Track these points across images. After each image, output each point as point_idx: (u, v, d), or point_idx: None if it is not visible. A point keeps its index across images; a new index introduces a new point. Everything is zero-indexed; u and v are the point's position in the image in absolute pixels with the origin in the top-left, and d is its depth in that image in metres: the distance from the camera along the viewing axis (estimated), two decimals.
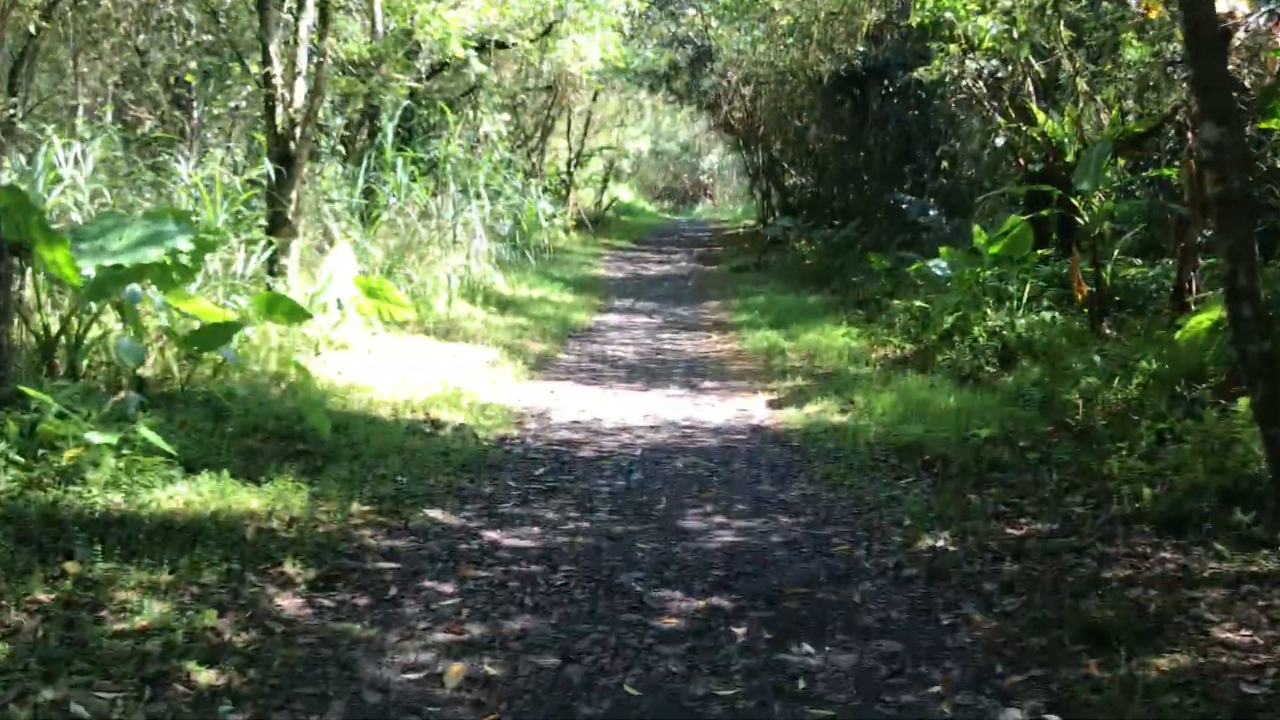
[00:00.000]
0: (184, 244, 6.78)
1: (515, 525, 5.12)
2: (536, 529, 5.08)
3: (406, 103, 12.06)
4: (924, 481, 5.95)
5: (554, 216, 21.85)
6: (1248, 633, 3.70)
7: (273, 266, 9.39)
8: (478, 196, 13.73)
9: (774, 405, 8.27)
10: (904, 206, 15.43)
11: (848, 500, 5.72)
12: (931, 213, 14.92)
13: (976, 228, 10.09)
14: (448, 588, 4.27)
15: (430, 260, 11.82)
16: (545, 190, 22.65)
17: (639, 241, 24.06)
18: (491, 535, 4.95)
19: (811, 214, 20.41)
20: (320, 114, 10.52)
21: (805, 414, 7.81)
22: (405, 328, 10.17)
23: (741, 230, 26.48)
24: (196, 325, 6.64)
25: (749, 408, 8.19)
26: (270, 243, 9.22)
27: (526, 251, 14.36)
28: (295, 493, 5.13)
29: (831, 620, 4.07)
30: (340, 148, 11.58)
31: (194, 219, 7.45)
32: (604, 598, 4.23)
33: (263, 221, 9.21)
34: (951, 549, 4.88)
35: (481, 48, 13.15)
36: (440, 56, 12.55)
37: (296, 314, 7.17)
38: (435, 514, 5.16)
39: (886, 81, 15.60)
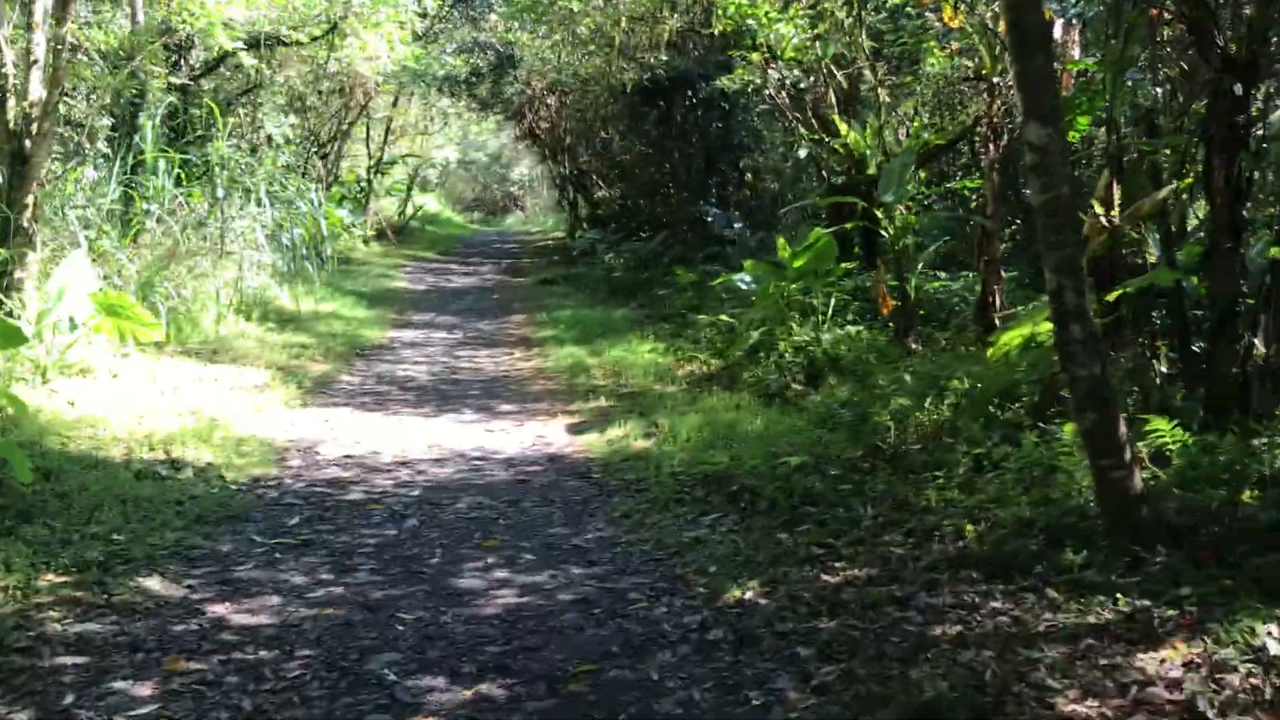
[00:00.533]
0: None
1: (250, 595, 4.20)
2: (276, 599, 4.17)
3: (171, 100, 10.77)
4: (731, 518, 5.33)
5: (352, 226, 20.62)
6: (1094, 702, 3.19)
7: (3, 282, 8.07)
8: (258, 203, 12.53)
9: (574, 430, 7.55)
10: (709, 219, 15.06)
11: (648, 543, 5.04)
12: (736, 225, 14.59)
13: (781, 240, 9.67)
14: (144, 689, 3.34)
15: (199, 273, 10.58)
16: (343, 199, 21.38)
17: (445, 253, 23.00)
18: (218, 610, 4.02)
19: (620, 227, 19.90)
20: (71, 110, 9.19)
21: (607, 440, 7.12)
22: (164, 349, 8.96)
23: (551, 242, 25.75)
24: None
25: (547, 434, 7.44)
26: None
27: (315, 263, 13.18)
28: None
29: (624, 707, 3.35)
30: (99, 147, 10.21)
31: None
32: (346, 693, 3.39)
33: None
34: (762, 602, 4.25)
35: (255, 44, 11.96)
36: (210, 52, 11.32)
37: (8, 336, 6.00)
38: (150, 583, 4.19)
39: (690, 92, 15.19)
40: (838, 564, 4.62)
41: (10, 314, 7.72)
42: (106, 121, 11.06)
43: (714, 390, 8.55)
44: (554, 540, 5.09)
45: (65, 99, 8.50)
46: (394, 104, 21.09)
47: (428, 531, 5.15)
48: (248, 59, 10.82)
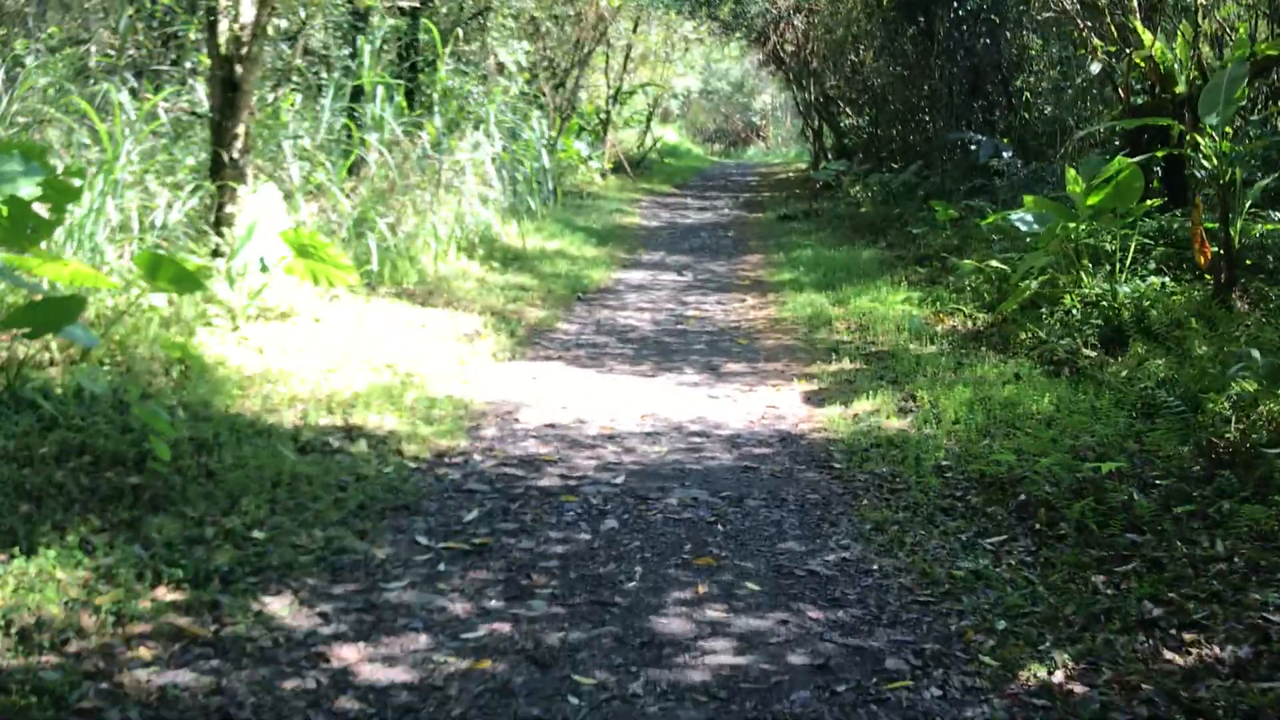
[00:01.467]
0: (27, 189, 5.01)
1: (394, 630, 3.25)
2: (424, 638, 3.21)
3: (391, 23, 10.06)
4: (1021, 543, 3.99)
5: (589, 158, 19.86)
6: None
7: (218, 218, 7.59)
8: (487, 135, 11.79)
9: (813, 400, 6.30)
10: (973, 148, 13.20)
11: (910, 574, 3.78)
12: (1005, 155, 12.68)
13: (1071, 172, 7.94)
14: None
15: (420, 208, 9.92)
16: (581, 130, 20.63)
17: (681, 186, 21.93)
18: (347, 655, 3.09)
19: (867, 157, 18.19)
20: (281, 34, 8.60)
21: (852, 415, 5.84)
22: (376, 290, 8.32)
23: (792, 174, 24.22)
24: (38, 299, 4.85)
25: (781, 404, 6.23)
26: (200, 187, 7.40)
27: (537, 198, 12.34)
28: (69, 567, 3.32)
29: None
30: (314, 74, 9.65)
31: (51, 157, 5.62)
32: None
33: (191, 161, 7.35)
34: (1077, 690, 2.94)
35: None
36: None
37: (185, 280, 5.34)
38: (276, 606, 3.31)
39: (955, 3, 13.28)
40: (1187, 634, 3.22)
41: (218, 252, 7.20)
42: (318, 44, 10.51)
43: (983, 353, 7.08)
44: (785, 561, 3.91)
45: (274, 19, 7.84)
46: (633, 29, 20.02)
47: (628, 538, 4.08)
48: None
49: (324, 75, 9.64)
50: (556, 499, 4.49)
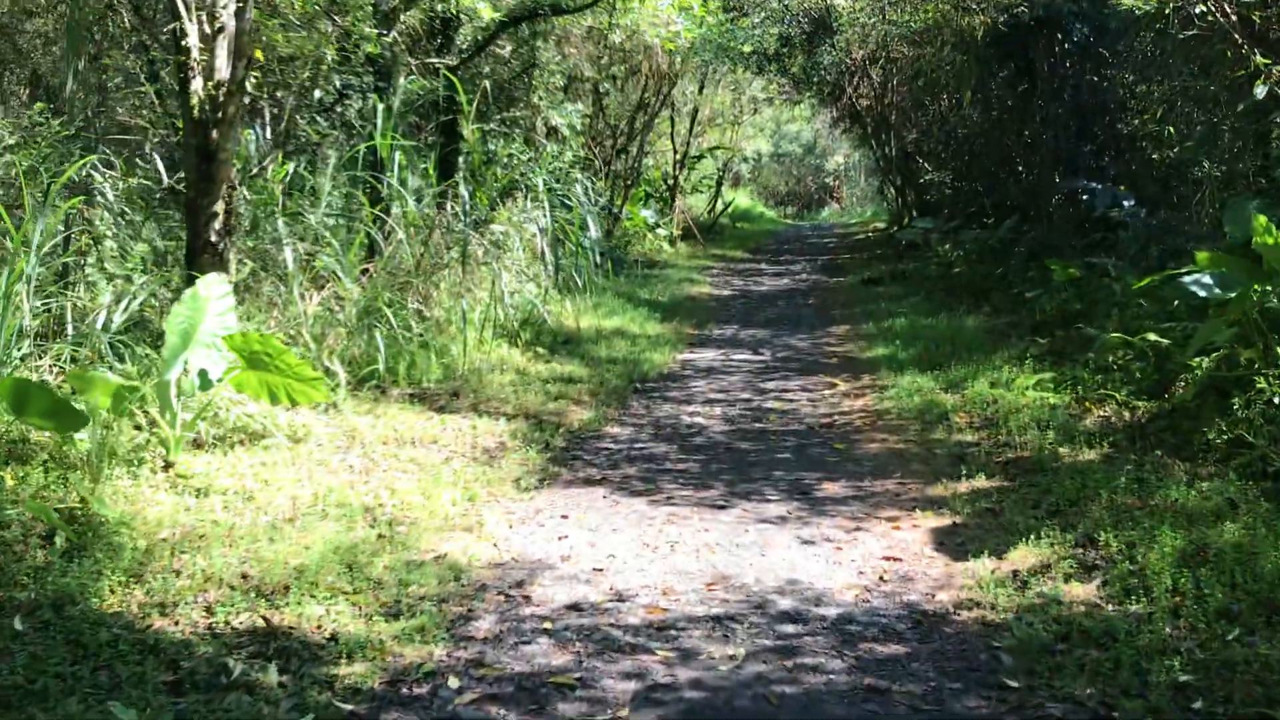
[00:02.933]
0: None
1: None
2: None
3: (421, 82, 8.50)
4: None
5: (656, 226, 18.22)
6: None
7: None
8: (534, 203, 10.19)
9: (948, 546, 4.38)
10: (1084, 197, 11.19)
11: None
12: (1127, 204, 10.64)
13: (1261, 220, 5.96)
14: None
15: (454, 289, 8.28)
16: (648, 197, 19.04)
17: (755, 251, 20.13)
18: None
19: (954, 213, 16.22)
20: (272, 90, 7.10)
21: (1011, 575, 3.91)
22: (388, 393, 6.65)
23: (871, 234, 22.29)
24: None
25: (904, 551, 4.32)
26: (168, 278, 5.84)
27: (587, 273, 10.62)
28: None
29: None
30: (329, 136, 8.11)
31: None
32: None
33: (143, 248, 5.79)
34: None
35: (521, 18, 9.53)
36: (471, 27, 9.00)
37: (64, 416, 3.69)
38: None
39: (1059, 35, 11.37)
40: None
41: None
42: (319, 99, 8.99)
43: (1162, 460, 5.10)
44: None
45: (255, 74, 6.29)
46: (699, 90, 18.44)
47: None
48: (487, 12, 8.29)
49: (335, 140, 8.09)
50: None
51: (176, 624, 3.30)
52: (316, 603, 3.53)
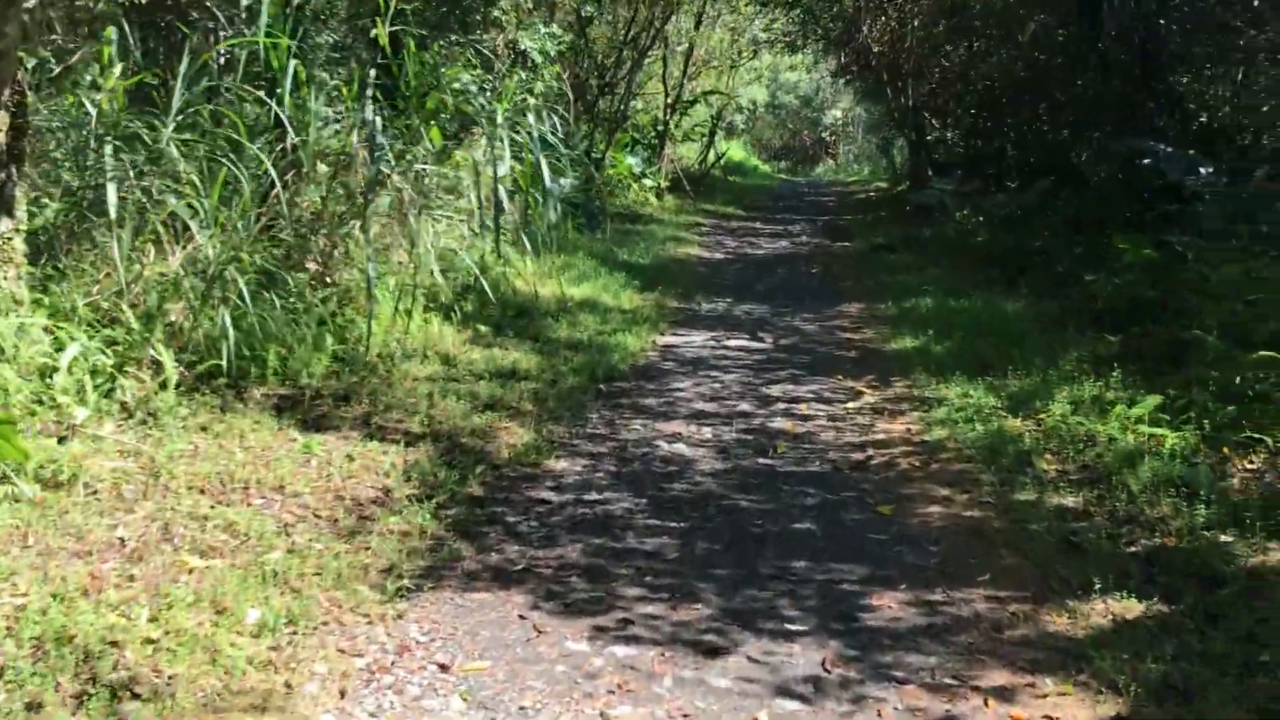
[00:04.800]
0: None
1: None
2: None
3: None
4: None
5: (643, 175, 15.96)
6: None
7: None
8: (496, 141, 7.97)
9: None
10: (1145, 161, 9.02)
11: None
12: (1203, 171, 8.50)
13: None
14: None
15: (378, 249, 6.11)
16: (634, 144, 16.75)
17: (749, 208, 17.89)
18: None
19: (971, 173, 14.07)
20: None
21: None
22: (246, 396, 4.52)
23: (873, 194, 20.09)
24: None
25: None
26: None
27: (551, 229, 8.35)
28: None
29: None
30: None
31: None
32: None
33: None
34: None
35: None
36: None
37: None
38: None
39: None
40: None
41: None
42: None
43: None
44: None
45: None
46: (695, 26, 16.08)
47: None
48: None
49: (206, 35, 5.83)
50: None
51: None
52: None
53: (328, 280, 5.88)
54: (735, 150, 25.55)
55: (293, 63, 5.73)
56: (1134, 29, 9.01)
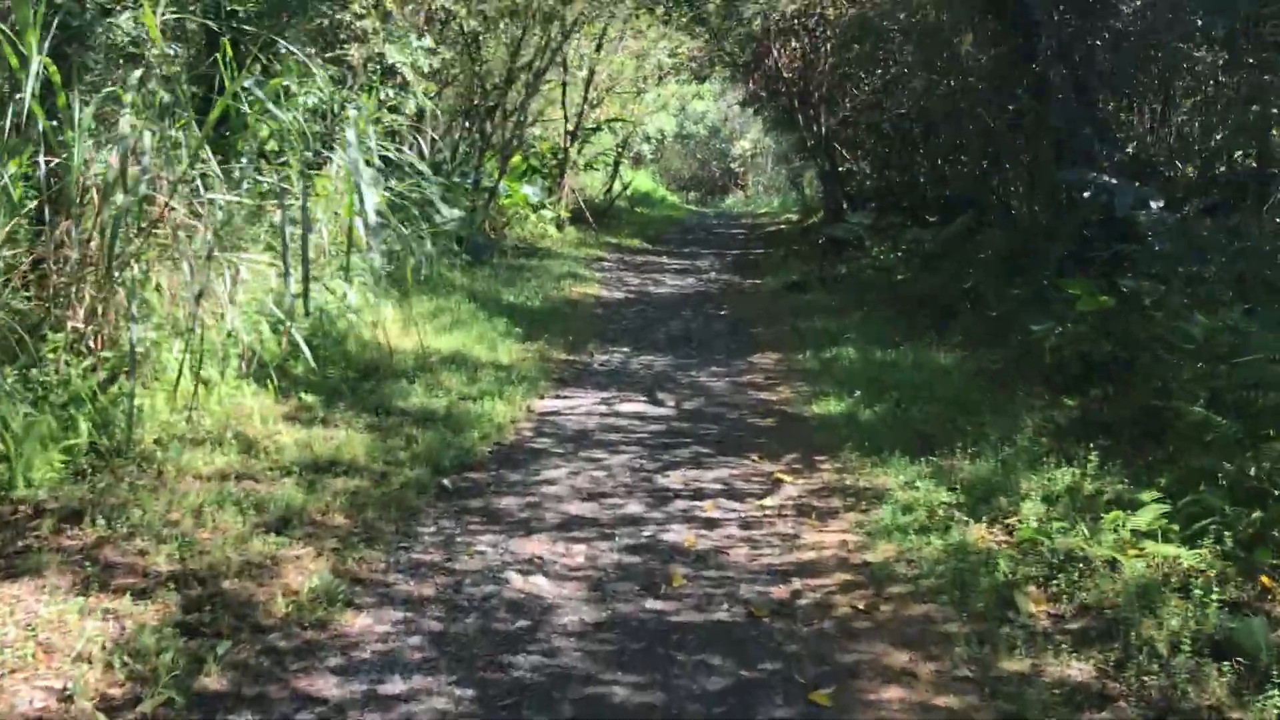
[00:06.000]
0: None
1: None
2: None
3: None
4: None
5: (541, 206, 14.66)
6: None
7: None
8: (351, 166, 6.57)
9: None
10: (1091, 194, 8.04)
11: None
12: (1154, 205, 7.55)
13: None
14: None
15: (175, 297, 4.68)
16: (531, 172, 15.44)
17: (655, 240, 16.71)
18: None
19: (885, 207, 13.13)
20: None
21: None
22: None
23: (784, 226, 19.12)
24: None
25: None
26: None
27: (422, 266, 6.92)
28: None
29: None
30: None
31: None
32: None
33: None
34: None
35: None
36: None
37: None
38: None
39: None
40: None
41: None
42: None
43: None
44: None
45: None
46: (597, 49, 14.87)
47: None
48: None
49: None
50: None
51: None
52: None
53: (91, 345, 4.43)
54: (643, 180, 24.44)
55: (38, 59, 4.29)
56: (1073, 48, 8.06)
